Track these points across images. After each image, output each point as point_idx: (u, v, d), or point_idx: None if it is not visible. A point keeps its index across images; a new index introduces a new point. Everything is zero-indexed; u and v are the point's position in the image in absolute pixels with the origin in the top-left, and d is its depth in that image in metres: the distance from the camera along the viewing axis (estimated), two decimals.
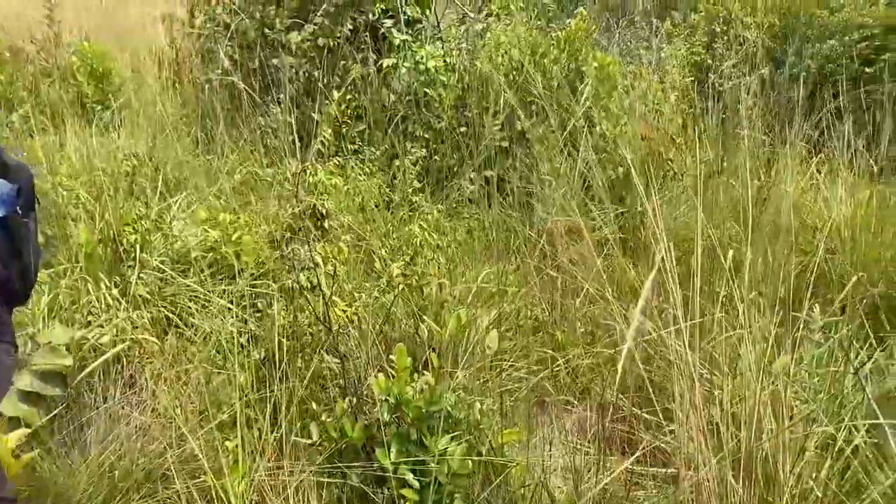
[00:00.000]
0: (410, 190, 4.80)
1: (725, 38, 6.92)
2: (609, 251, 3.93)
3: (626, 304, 3.36)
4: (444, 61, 5.24)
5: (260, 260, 3.48)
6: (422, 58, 5.11)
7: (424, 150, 4.96)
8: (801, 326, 2.67)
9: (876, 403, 2.45)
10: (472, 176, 4.60)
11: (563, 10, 7.68)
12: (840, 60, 6.80)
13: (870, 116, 5.53)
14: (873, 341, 2.82)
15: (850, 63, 6.91)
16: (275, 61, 5.36)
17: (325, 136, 3.91)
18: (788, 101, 5.67)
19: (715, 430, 2.19)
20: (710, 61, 6.82)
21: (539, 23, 5.62)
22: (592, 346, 3.22)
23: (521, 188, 4.54)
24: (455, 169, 4.99)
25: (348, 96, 5.05)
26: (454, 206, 4.84)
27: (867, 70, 6.76)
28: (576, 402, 3.01)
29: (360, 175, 4.79)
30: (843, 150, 4.97)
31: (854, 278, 3.29)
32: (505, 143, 4.88)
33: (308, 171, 3.59)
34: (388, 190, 4.88)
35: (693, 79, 6.68)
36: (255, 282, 3.50)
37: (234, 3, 5.76)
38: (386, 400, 2.37)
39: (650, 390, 2.33)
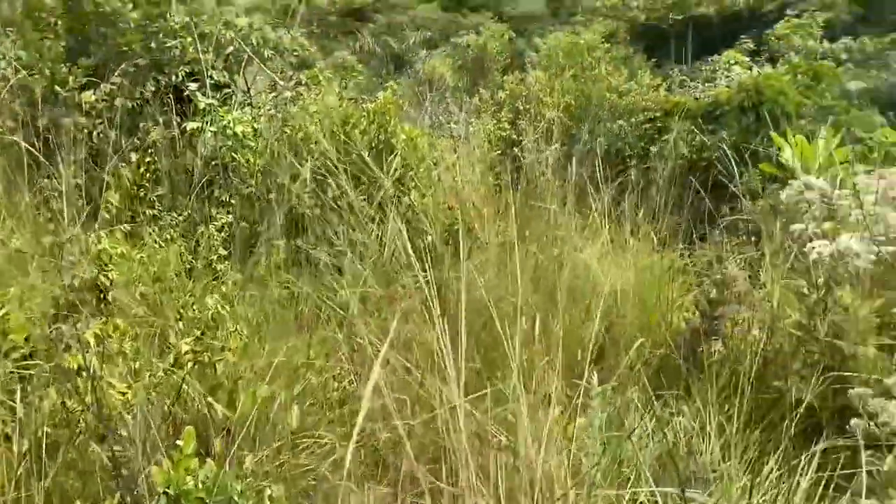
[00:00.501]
0: (215, 257, 4.58)
1: (528, 115, 7.40)
2: (416, 320, 3.95)
3: (431, 374, 3.37)
4: (253, 127, 5.14)
5: (30, 338, 3.12)
6: (229, 122, 4.97)
7: (231, 216, 4.79)
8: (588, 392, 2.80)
9: (655, 462, 2.59)
10: (280, 244, 4.49)
11: (378, 82, 7.89)
12: (628, 139, 7.50)
13: (655, 190, 6.10)
14: (654, 402, 3.00)
15: (637, 142, 7.64)
16: (66, 121, 4.98)
17: (110, 201, 3.64)
18: (583, 175, 6.13)
19: (508, 496, 2.20)
20: (514, 136, 7.25)
21: (351, 94, 5.69)
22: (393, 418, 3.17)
23: (331, 257, 4.48)
24: (264, 236, 4.85)
25: (147, 159, 4.78)
26: (262, 274, 4.68)
27: (651, 148, 7.50)
28: (378, 476, 2.93)
29: (158, 242, 4.51)
30: (630, 221, 5.41)
31: (636, 343, 3.54)
32: (317, 211, 4.82)
33: (91, 239, 3.31)
34: (190, 258, 4.63)
35: (500, 152, 7.05)
36: (25, 363, 3.13)
37: (20, 59, 5.33)
38: (164, 492, 2.16)
39: (446, 460, 2.31)
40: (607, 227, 5.47)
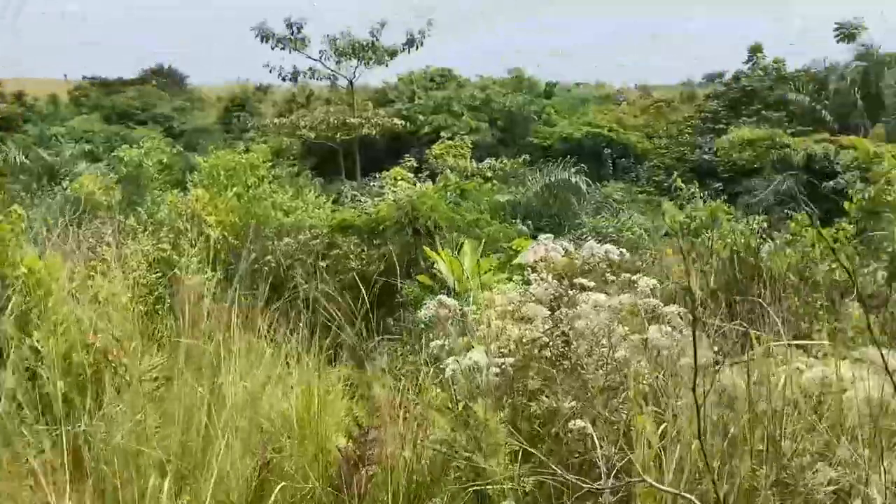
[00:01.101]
0: None
1: (190, 234, 7.05)
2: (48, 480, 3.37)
3: None
4: None
5: None
6: None
7: None
8: None
9: None
10: None
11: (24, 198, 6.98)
12: (296, 256, 7.50)
13: (323, 306, 6.07)
14: None
15: (306, 258, 7.67)
16: None
17: None
18: (249, 296, 5.90)
19: None
20: (176, 257, 6.82)
21: None
22: None
23: None
24: None
25: None
26: None
27: (322, 263, 7.57)
28: None
29: None
30: (298, 340, 5.28)
31: (294, 479, 3.35)
32: None
33: None
34: None
35: (160, 274, 6.57)
36: None
37: None
38: None
39: None
40: (272, 350, 5.26)
